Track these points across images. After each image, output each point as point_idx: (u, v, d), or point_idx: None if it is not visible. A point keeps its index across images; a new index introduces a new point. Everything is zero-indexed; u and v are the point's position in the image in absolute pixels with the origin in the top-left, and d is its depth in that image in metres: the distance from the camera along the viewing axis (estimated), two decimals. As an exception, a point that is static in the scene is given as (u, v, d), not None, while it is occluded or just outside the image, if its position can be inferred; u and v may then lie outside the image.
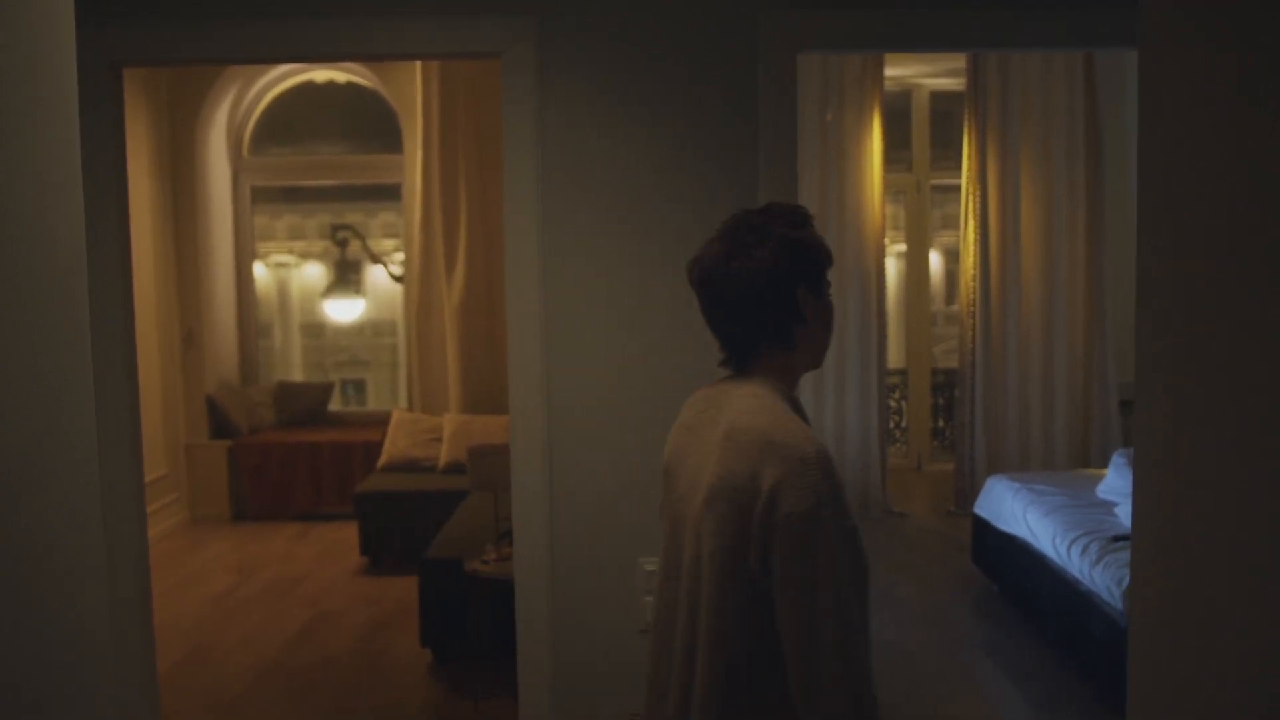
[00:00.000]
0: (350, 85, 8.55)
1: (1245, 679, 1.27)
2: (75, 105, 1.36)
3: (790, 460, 1.57)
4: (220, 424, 8.17)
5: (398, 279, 8.84)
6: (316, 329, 9.33)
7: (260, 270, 8.97)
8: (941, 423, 8.48)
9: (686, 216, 2.72)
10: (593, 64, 2.72)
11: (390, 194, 8.83)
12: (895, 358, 8.23)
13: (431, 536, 5.56)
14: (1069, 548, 4.72)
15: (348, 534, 7.30)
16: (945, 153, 8.35)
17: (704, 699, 1.62)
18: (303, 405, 8.65)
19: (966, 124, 7.43)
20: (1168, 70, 1.40)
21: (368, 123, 8.66)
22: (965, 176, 7.47)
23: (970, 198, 7.43)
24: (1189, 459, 1.36)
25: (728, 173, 2.72)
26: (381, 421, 8.24)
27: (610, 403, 2.75)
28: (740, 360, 1.78)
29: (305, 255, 9.29)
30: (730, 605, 1.61)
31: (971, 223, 7.43)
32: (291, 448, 8.02)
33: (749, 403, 1.68)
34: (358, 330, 9.29)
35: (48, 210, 1.28)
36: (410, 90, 7.98)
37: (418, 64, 7.74)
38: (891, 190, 7.77)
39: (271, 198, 8.96)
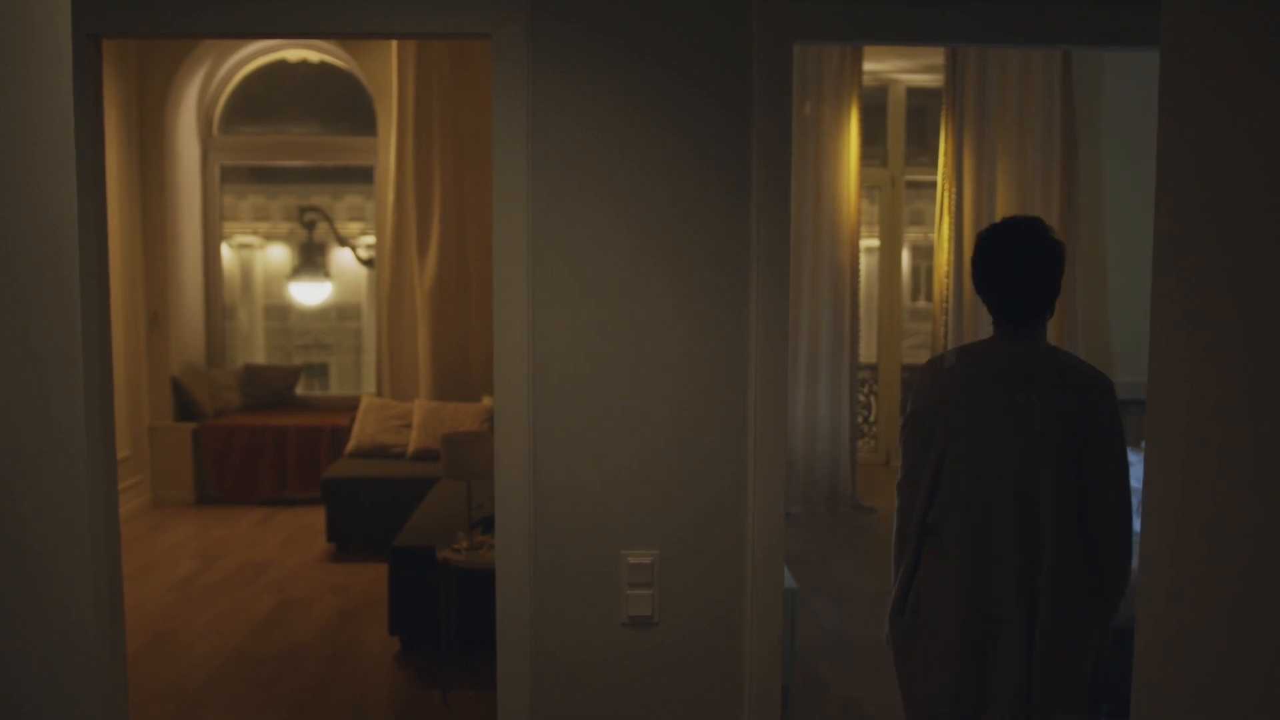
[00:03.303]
0: (323, 65, 8.44)
1: (1255, 682, 1.26)
2: (69, 79, 1.31)
3: (1110, 394, 2.50)
4: (185, 406, 8.05)
5: (365, 263, 8.74)
6: (281, 311, 9.22)
7: (224, 251, 8.85)
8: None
9: (676, 206, 2.69)
10: (582, 49, 2.67)
11: (357, 176, 8.74)
12: (866, 353, 8.24)
13: (400, 523, 5.51)
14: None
15: (313, 520, 7.23)
16: (918, 149, 8.37)
17: (1065, 552, 2.50)
18: (269, 388, 8.55)
19: (944, 120, 7.44)
20: (1189, 65, 1.38)
21: (339, 103, 8.55)
22: (941, 173, 7.49)
23: (946, 194, 7.45)
24: (1204, 462, 1.34)
25: (719, 162, 2.69)
26: (350, 406, 8.16)
27: (597, 394, 2.72)
28: (1020, 325, 2.55)
29: (270, 236, 9.17)
30: (1069, 489, 2.49)
31: (946, 219, 7.45)
32: (257, 431, 7.92)
33: (1071, 358, 2.61)
34: (321, 314, 9.19)
35: (42, 189, 1.23)
36: (386, 71, 7.89)
37: (394, 45, 7.65)
38: (865, 185, 7.77)
39: (237, 178, 8.83)
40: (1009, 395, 2.52)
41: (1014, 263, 2.54)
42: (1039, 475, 2.50)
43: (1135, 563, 2.41)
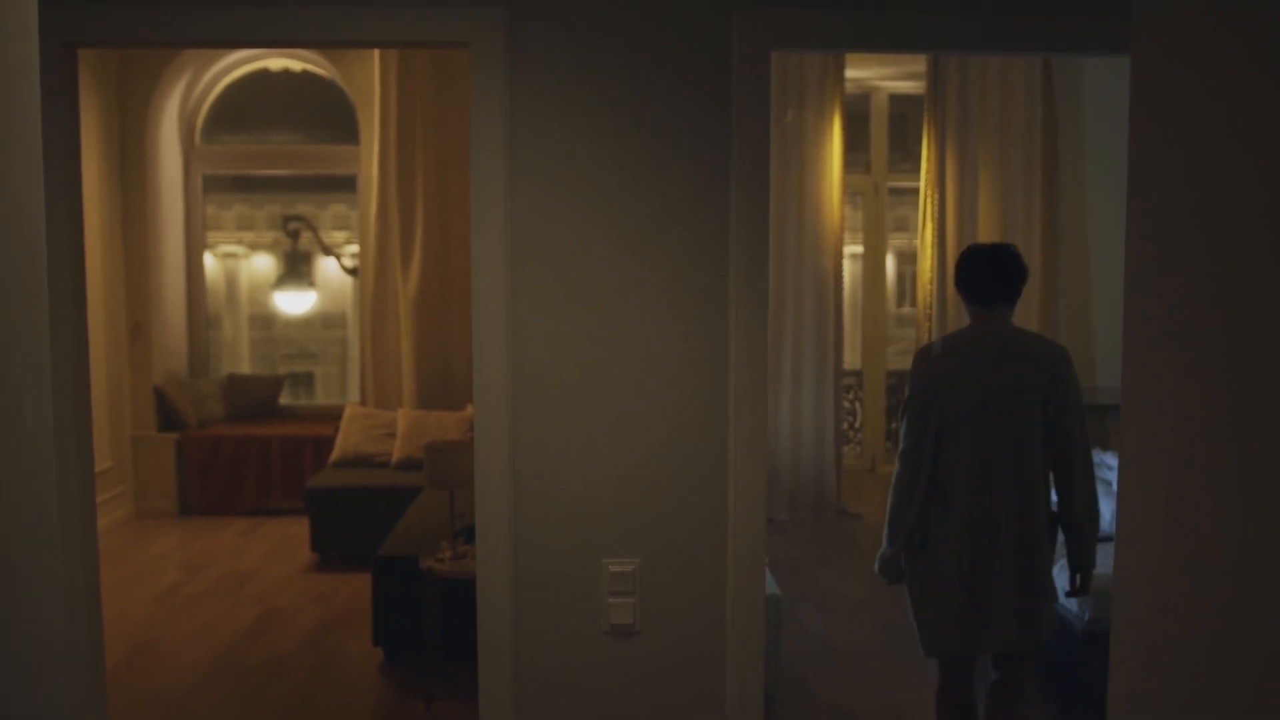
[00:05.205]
0: (305, 74, 8.43)
1: (1226, 684, 1.26)
2: (37, 88, 1.30)
3: (1067, 361, 3.15)
4: (168, 416, 8.01)
5: (350, 271, 8.72)
6: (265, 321, 9.19)
7: (208, 261, 8.81)
8: (894, 424, 8.52)
9: (657, 214, 2.69)
10: (563, 57, 2.67)
11: (341, 185, 8.71)
12: (850, 359, 8.24)
13: (384, 533, 5.48)
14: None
15: (297, 530, 7.19)
16: (900, 155, 8.38)
17: (1034, 486, 3.12)
18: (253, 398, 8.51)
19: (926, 127, 7.46)
20: (1160, 72, 1.38)
21: (322, 112, 8.53)
22: (924, 180, 7.51)
23: (928, 201, 7.47)
24: (1175, 464, 1.35)
25: (698, 169, 2.69)
26: (333, 416, 8.12)
27: (577, 401, 2.71)
28: (995, 311, 3.16)
29: (254, 246, 9.13)
30: (1039, 437, 3.11)
31: (929, 225, 7.46)
32: (241, 441, 7.89)
33: (1033, 335, 3.32)
34: (306, 323, 9.15)
35: (9, 196, 1.22)
36: (369, 80, 7.87)
37: (376, 53, 7.64)
38: (848, 192, 7.78)
39: (221, 187, 8.80)
40: (992, 369, 3.15)
41: (996, 267, 3.19)
42: (1021, 430, 3.12)
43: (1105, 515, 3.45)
